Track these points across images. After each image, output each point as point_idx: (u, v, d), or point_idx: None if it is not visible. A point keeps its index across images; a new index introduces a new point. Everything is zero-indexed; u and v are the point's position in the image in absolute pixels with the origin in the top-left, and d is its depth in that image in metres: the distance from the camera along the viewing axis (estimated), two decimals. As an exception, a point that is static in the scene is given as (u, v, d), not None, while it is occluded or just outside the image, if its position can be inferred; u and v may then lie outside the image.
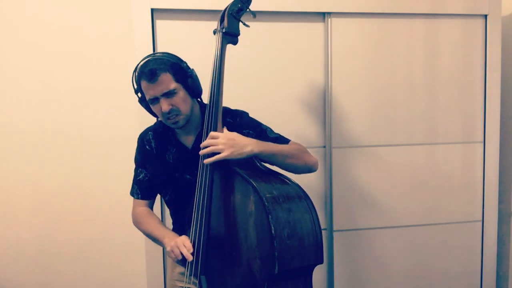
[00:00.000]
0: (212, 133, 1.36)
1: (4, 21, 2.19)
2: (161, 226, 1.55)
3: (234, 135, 1.37)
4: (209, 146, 1.34)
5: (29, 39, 2.21)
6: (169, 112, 1.41)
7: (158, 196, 1.71)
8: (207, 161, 1.34)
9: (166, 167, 1.56)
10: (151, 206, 1.65)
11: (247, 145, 1.34)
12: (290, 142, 1.53)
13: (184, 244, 1.38)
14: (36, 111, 2.24)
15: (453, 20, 2.16)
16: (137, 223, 1.61)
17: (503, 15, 2.26)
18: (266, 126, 1.57)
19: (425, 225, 2.24)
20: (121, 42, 2.24)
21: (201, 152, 1.36)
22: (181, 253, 1.37)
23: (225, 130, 1.41)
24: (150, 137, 1.59)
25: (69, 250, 2.32)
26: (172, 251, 1.39)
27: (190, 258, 1.37)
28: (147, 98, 1.43)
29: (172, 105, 1.41)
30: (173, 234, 1.49)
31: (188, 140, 1.55)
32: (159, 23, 1.97)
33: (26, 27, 2.20)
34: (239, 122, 1.53)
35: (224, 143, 1.32)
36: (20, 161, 2.25)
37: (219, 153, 1.32)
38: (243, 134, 1.48)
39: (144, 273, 2.12)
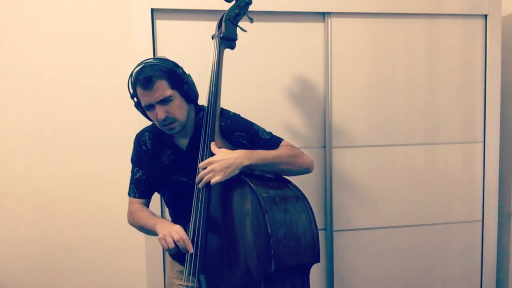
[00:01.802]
0: (201, 164, 1.38)
1: (4, 21, 2.20)
2: (154, 216, 1.54)
3: (223, 153, 1.38)
4: (204, 176, 1.36)
5: (29, 39, 2.22)
6: (165, 120, 1.41)
7: (158, 196, 1.71)
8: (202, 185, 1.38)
9: (161, 168, 1.56)
10: (146, 205, 1.64)
11: (237, 158, 1.35)
12: (282, 143, 1.52)
13: (180, 236, 1.36)
14: (36, 111, 2.25)
15: (453, 20, 2.16)
16: (131, 219, 1.60)
17: (503, 15, 2.25)
18: (258, 126, 1.55)
19: (425, 225, 2.23)
20: (121, 42, 2.24)
21: (200, 185, 1.38)
22: (174, 242, 1.35)
23: (213, 147, 1.42)
24: (146, 138, 1.60)
25: (69, 250, 2.32)
26: (164, 239, 1.36)
27: (191, 250, 1.37)
28: (143, 104, 1.43)
29: (167, 112, 1.40)
30: (167, 221, 1.48)
31: (183, 142, 1.55)
32: (159, 23, 1.97)
33: (26, 27, 2.21)
34: (230, 124, 1.52)
35: (213, 168, 1.34)
36: (20, 161, 2.26)
37: None
38: (235, 136, 1.50)
39: (144, 273, 2.13)
